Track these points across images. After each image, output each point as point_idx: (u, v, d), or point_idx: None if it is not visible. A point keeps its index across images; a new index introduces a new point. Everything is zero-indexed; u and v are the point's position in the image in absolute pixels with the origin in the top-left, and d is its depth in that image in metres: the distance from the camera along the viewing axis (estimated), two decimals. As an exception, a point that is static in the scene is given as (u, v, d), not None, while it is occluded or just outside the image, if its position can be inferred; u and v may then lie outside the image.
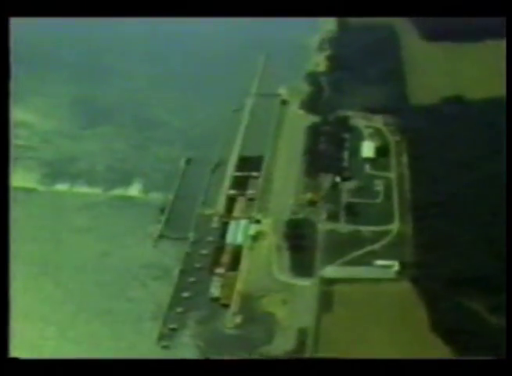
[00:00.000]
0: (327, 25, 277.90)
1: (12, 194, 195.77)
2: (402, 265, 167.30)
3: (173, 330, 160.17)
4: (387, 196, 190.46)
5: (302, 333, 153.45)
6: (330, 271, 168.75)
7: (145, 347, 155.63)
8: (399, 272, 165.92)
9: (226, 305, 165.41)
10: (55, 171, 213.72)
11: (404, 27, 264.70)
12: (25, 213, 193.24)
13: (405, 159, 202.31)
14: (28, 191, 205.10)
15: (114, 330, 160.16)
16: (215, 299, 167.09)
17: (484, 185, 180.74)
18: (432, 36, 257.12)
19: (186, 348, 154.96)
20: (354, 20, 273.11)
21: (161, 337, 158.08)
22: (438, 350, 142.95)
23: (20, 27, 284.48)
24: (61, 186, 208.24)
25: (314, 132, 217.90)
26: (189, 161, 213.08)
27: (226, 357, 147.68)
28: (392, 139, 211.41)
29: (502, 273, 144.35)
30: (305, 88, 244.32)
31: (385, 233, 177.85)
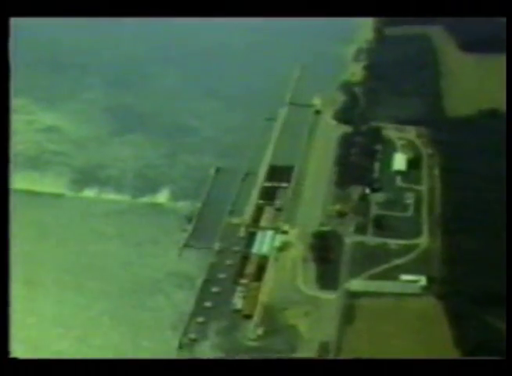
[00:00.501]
0: (364, 35, 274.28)
1: (39, 199, 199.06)
2: (429, 280, 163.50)
3: (193, 340, 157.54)
4: (417, 209, 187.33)
5: (324, 346, 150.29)
6: (355, 284, 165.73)
7: (164, 356, 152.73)
8: (425, 288, 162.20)
9: (248, 317, 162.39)
10: (84, 177, 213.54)
11: (441, 38, 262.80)
12: (52, 218, 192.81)
13: (437, 172, 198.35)
14: (56, 196, 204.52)
15: (134, 338, 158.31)
16: (237, 310, 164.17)
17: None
18: (470, 47, 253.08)
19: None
20: (390, 30, 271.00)
21: (181, 347, 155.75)
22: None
23: (57, 32, 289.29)
24: (89, 192, 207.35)
25: (346, 143, 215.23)
26: (218, 170, 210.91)
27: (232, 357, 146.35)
28: (425, 151, 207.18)
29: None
30: (340, 98, 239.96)
31: (413, 247, 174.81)
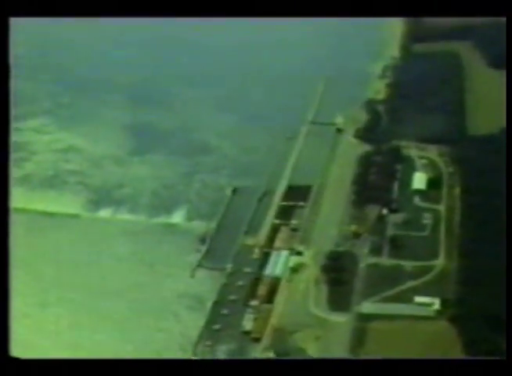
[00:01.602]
0: (390, 52, 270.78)
1: (55, 220, 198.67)
2: (443, 303, 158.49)
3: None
4: (435, 229, 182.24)
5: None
6: (367, 307, 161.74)
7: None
8: (439, 311, 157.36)
9: (258, 339, 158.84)
10: (100, 198, 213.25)
11: (469, 54, 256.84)
12: (66, 239, 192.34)
13: (457, 191, 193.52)
14: (72, 217, 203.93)
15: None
16: (247, 333, 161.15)
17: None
18: (499, 63, 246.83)
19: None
20: (417, 47, 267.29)
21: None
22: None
23: (80, 50, 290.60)
24: (104, 213, 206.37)
25: (365, 162, 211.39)
26: (235, 190, 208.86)
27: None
28: (446, 170, 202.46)
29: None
30: (362, 116, 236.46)
31: (429, 269, 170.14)
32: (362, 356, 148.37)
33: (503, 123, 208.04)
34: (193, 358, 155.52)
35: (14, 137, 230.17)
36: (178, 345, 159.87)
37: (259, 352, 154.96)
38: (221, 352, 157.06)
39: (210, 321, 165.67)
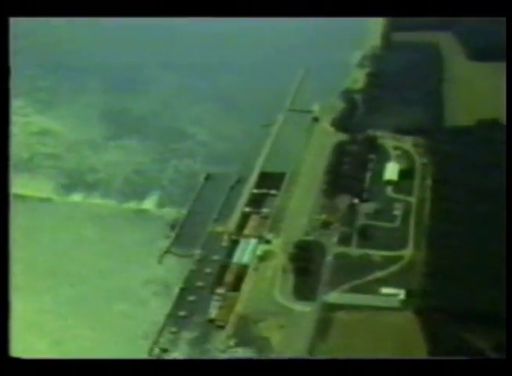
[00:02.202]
0: (371, 42, 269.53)
1: (27, 203, 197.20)
2: (408, 294, 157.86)
3: (163, 350, 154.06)
4: (405, 220, 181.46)
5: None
6: (333, 297, 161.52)
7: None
8: (404, 302, 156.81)
9: (222, 327, 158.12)
10: (73, 182, 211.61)
11: (450, 45, 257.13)
12: (35, 222, 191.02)
13: (429, 183, 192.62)
14: (43, 200, 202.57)
15: (104, 345, 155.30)
16: (211, 320, 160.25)
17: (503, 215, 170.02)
18: (478, 55, 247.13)
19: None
20: (398, 36, 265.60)
21: (150, 357, 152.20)
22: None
23: (58, 33, 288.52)
24: (76, 197, 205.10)
25: (339, 151, 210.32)
26: (208, 176, 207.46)
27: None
28: (419, 161, 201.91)
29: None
30: (339, 105, 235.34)
31: (396, 259, 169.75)
32: (323, 348, 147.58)
33: (480, 115, 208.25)
34: (160, 346, 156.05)
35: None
36: (142, 332, 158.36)
37: (222, 340, 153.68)
38: (185, 340, 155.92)
39: (176, 308, 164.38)
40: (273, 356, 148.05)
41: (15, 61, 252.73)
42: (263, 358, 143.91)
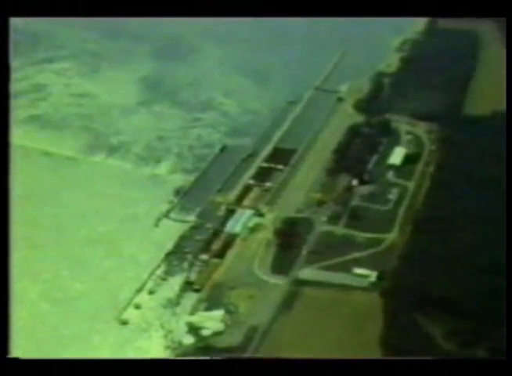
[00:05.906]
0: (415, 27, 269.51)
1: (52, 160, 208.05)
2: (380, 276, 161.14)
3: (137, 307, 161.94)
4: (398, 204, 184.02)
5: (252, 330, 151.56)
6: (306, 273, 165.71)
7: (103, 320, 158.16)
8: (374, 283, 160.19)
9: (198, 291, 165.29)
10: (98, 143, 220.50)
11: (490, 34, 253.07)
12: (59, 179, 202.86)
13: (431, 169, 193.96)
14: (67, 159, 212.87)
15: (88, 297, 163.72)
16: (189, 283, 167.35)
17: (494, 208, 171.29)
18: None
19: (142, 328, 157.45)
20: (443, 24, 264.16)
21: (123, 311, 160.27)
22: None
23: None
24: (97, 158, 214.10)
25: (353, 133, 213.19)
26: (224, 148, 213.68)
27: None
28: (429, 147, 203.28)
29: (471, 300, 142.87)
30: (366, 87, 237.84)
31: (379, 242, 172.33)
32: (283, 321, 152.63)
33: (497, 106, 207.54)
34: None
35: (36, 78, 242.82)
36: (128, 287, 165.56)
37: (194, 302, 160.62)
38: (158, 301, 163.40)
39: (158, 268, 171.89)
40: (234, 324, 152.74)
41: (68, 25, 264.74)
42: (263, 358, 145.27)
